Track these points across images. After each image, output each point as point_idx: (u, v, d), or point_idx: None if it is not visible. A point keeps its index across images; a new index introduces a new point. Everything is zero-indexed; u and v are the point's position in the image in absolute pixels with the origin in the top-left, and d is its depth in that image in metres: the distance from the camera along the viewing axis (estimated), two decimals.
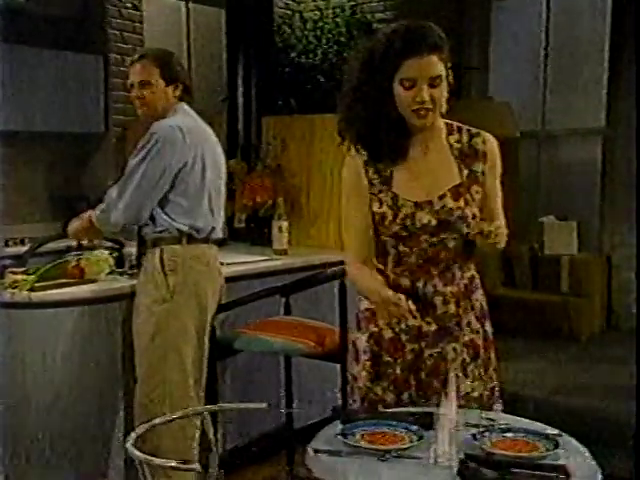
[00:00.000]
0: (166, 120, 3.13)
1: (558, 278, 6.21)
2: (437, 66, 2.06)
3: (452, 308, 2.18)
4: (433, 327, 2.17)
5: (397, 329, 2.18)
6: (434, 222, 2.13)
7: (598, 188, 6.41)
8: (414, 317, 2.04)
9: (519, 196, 6.31)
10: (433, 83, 2.07)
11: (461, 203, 2.14)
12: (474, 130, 2.24)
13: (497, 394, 2.27)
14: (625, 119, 6.02)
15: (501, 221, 2.20)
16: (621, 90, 6.09)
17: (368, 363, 2.21)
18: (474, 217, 2.15)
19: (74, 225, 3.30)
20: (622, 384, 4.40)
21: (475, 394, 2.21)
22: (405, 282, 2.17)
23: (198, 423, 2.98)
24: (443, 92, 2.10)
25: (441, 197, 2.15)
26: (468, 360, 2.20)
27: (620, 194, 6.17)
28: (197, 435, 3.08)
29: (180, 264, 3.08)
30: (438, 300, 2.17)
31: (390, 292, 2.05)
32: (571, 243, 6.36)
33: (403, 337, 2.18)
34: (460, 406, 2.14)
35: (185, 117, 3.19)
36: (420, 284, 2.16)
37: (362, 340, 2.24)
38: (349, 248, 2.24)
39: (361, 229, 2.19)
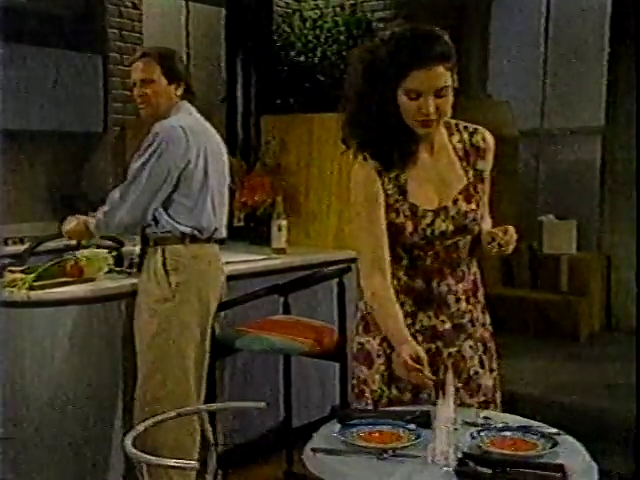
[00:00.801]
0: (168, 120, 3.12)
1: (557, 277, 6.19)
2: (443, 77, 2.00)
3: (463, 305, 2.20)
4: (448, 325, 2.18)
5: (412, 330, 2.12)
6: (452, 228, 2.13)
7: (597, 187, 6.40)
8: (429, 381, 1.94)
9: (518, 195, 6.32)
10: (439, 94, 2.01)
11: (473, 205, 2.16)
12: (471, 127, 2.24)
13: (498, 383, 2.29)
14: (625, 118, 6.01)
15: (489, 222, 2.25)
16: (620, 89, 6.08)
17: (383, 367, 2.18)
18: (482, 217, 2.19)
19: (71, 225, 3.29)
20: (621, 383, 4.40)
21: (489, 386, 2.24)
22: (419, 283, 2.16)
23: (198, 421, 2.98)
24: (449, 101, 2.04)
25: (455, 201, 2.15)
26: (482, 354, 2.23)
27: (619, 193, 6.15)
28: (197, 434, 3.08)
29: (182, 264, 3.09)
30: (451, 298, 2.18)
31: (410, 353, 1.95)
32: (570, 242, 6.34)
33: (419, 338, 2.14)
34: (482, 401, 2.20)
35: (187, 116, 3.18)
36: (434, 284, 2.16)
37: (374, 344, 2.20)
38: (365, 259, 2.13)
39: (379, 239, 2.10)
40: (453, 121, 2.21)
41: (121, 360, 3.19)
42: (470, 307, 2.21)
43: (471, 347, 2.21)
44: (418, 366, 1.93)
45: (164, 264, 3.07)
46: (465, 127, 2.23)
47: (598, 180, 6.41)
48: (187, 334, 3.10)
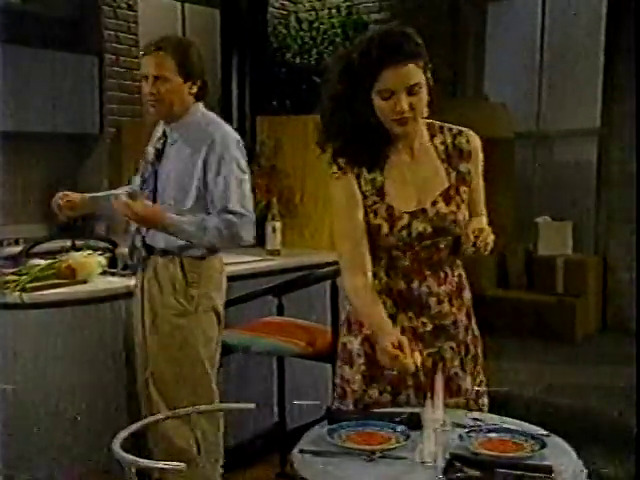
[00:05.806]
0: (215, 124, 2.94)
1: (553, 278, 6.20)
2: (415, 74, 2.03)
3: (446, 307, 2.18)
4: (429, 327, 2.17)
5: None
6: (429, 230, 2.13)
7: (593, 188, 6.40)
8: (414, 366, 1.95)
9: (514, 196, 6.32)
10: (412, 91, 2.03)
11: (453, 207, 2.15)
12: (456, 129, 2.22)
13: (484, 388, 2.27)
14: (620, 119, 6.02)
15: (484, 220, 2.19)
16: (616, 91, 6.09)
17: (363, 367, 2.19)
18: (464, 218, 2.16)
19: (146, 212, 2.82)
20: (617, 384, 4.41)
21: (470, 389, 2.22)
22: (399, 284, 2.16)
23: (203, 422, 2.94)
24: (423, 99, 2.06)
25: (434, 203, 2.14)
26: (464, 357, 2.22)
27: (615, 194, 6.16)
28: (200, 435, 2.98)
29: (203, 276, 2.93)
30: (432, 300, 2.17)
31: (392, 341, 1.95)
32: (566, 243, 6.35)
33: None
34: (463, 402, 2.19)
35: (216, 119, 3.01)
36: (415, 285, 2.16)
37: (355, 343, 2.21)
38: (346, 260, 2.16)
39: (358, 240, 2.12)
40: (438, 123, 2.21)
41: (114, 361, 3.19)
42: (454, 309, 2.20)
43: (452, 349, 2.19)
44: (398, 352, 1.92)
45: (185, 276, 2.90)
46: (450, 129, 2.21)
47: (594, 181, 6.41)
48: (210, 345, 2.98)
